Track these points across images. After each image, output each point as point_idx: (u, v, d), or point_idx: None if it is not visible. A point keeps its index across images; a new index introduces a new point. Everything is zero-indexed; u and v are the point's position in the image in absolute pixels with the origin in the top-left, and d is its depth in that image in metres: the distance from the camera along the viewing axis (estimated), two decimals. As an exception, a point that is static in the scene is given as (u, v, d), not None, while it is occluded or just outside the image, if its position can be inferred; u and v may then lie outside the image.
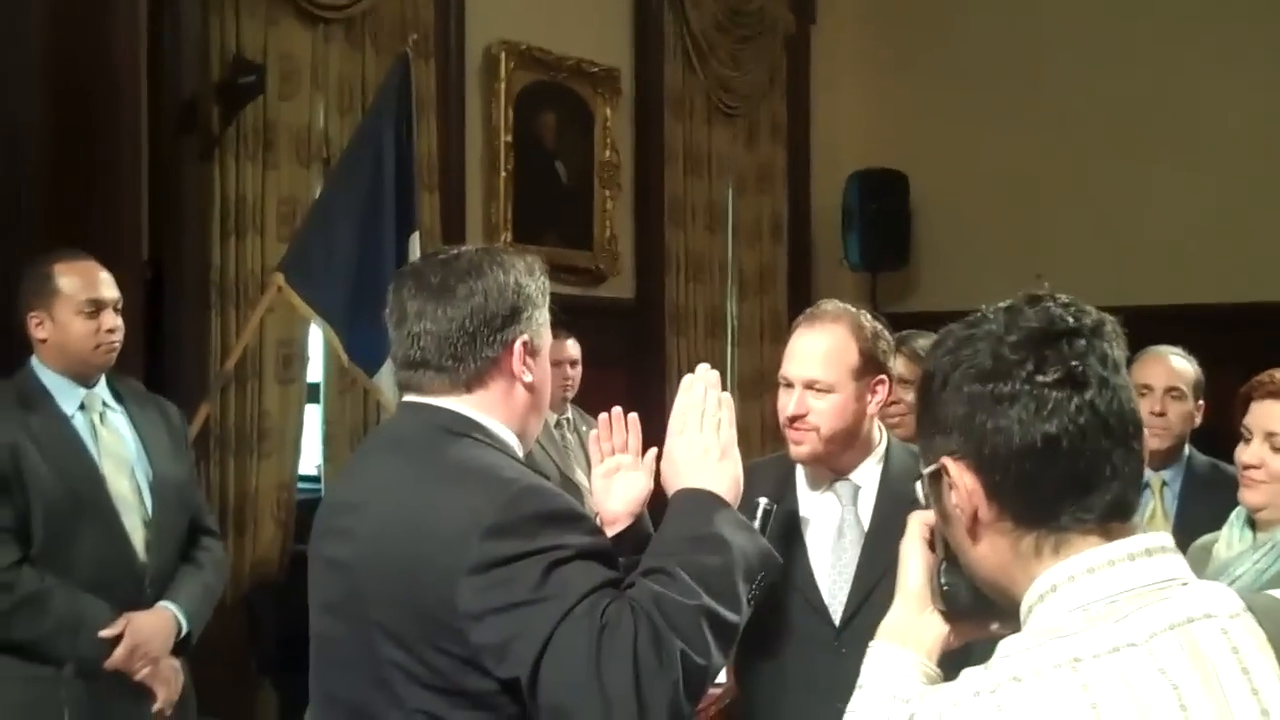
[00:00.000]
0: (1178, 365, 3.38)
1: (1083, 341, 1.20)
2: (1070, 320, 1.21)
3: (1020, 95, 7.18)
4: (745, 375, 7.17)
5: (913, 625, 1.40)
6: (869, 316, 2.54)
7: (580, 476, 4.45)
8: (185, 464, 3.26)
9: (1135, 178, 6.86)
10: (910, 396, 3.02)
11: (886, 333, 2.56)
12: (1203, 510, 2.91)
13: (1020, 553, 1.21)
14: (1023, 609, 1.21)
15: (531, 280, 1.93)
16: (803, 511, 2.54)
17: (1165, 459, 3.37)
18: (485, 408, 1.89)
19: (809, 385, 2.46)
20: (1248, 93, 6.57)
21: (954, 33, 7.45)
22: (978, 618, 1.35)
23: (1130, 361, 3.57)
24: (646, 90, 6.66)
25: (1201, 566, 2.46)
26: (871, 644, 1.42)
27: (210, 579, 3.22)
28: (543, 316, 1.95)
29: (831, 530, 2.52)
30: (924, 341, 3.31)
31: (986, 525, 1.23)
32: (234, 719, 4.64)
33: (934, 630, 1.40)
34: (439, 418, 1.86)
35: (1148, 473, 3.38)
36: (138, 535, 3.05)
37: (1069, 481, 1.18)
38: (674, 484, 1.85)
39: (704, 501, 1.81)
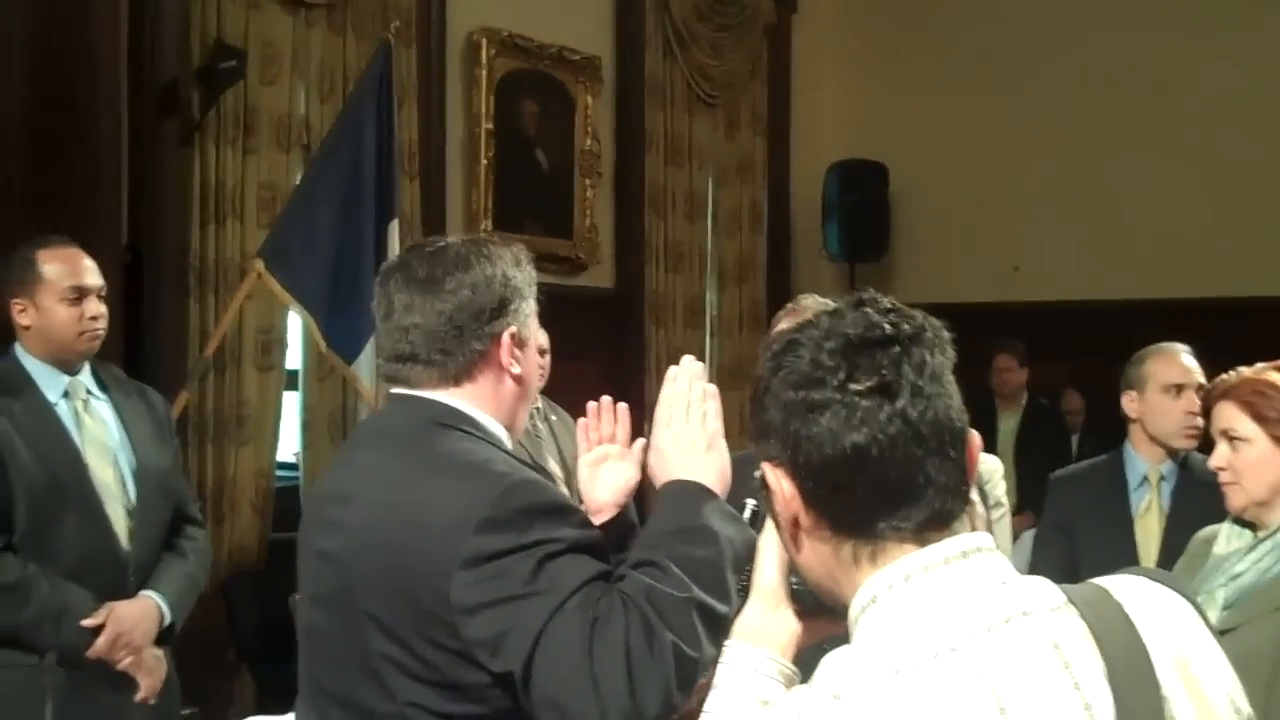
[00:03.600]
0: (1194, 364, 3.38)
1: (897, 349, 1.17)
2: (886, 327, 1.18)
3: (1001, 87, 7.22)
4: (724, 365, 7.18)
5: (767, 623, 1.39)
6: None
7: (552, 465, 4.46)
8: (169, 452, 3.24)
9: (1116, 171, 6.90)
10: None
11: None
12: (1197, 506, 2.93)
13: (841, 560, 1.20)
14: (850, 620, 1.20)
15: (519, 271, 1.92)
16: None
17: (1171, 454, 3.39)
18: (474, 400, 1.88)
19: None
20: (1232, 84, 6.60)
21: (935, 25, 7.47)
22: (829, 615, 1.31)
23: (1143, 359, 3.48)
24: (627, 79, 6.67)
25: (1202, 560, 2.48)
26: (726, 643, 1.41)
27: (194, 569, 3.20)
28: (530, 307, 1.95)
29: None
30: None
31: (807, 532, 1.22)
32: (212, 707, 4.62)
33: (788, 628, 1.38)
34: (429, 410, 1.86)
35: (1146, 465, 3.41)
36: (121, 524, 3.03)
37: (881, 490, 1.17)
38: (661, 476, 1.84)
39: (692, 493, 1.79)
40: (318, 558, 1.86)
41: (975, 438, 1.22)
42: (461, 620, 1.66)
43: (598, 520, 2.02)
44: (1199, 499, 3.02)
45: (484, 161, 5.91)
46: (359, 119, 4.53)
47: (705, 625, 1.66)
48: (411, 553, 1.71)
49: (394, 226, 4.57)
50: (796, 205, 7.72)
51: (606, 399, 2.15)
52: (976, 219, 7.31)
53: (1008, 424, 6.32)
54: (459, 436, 1.83)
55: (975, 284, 7.01)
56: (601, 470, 2.12)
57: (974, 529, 1.21)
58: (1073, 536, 3.41)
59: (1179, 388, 3.34)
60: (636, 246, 6.70)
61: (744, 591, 1.79)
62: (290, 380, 5.14)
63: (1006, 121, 7.18)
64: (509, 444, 1.93)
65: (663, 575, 1.68)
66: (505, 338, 1.88)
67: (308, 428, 5.14)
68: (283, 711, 2.49)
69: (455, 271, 1.86)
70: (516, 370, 1.90)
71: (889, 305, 1.21)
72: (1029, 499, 5.30)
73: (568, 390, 4.61)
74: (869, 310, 1.20)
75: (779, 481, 1.21)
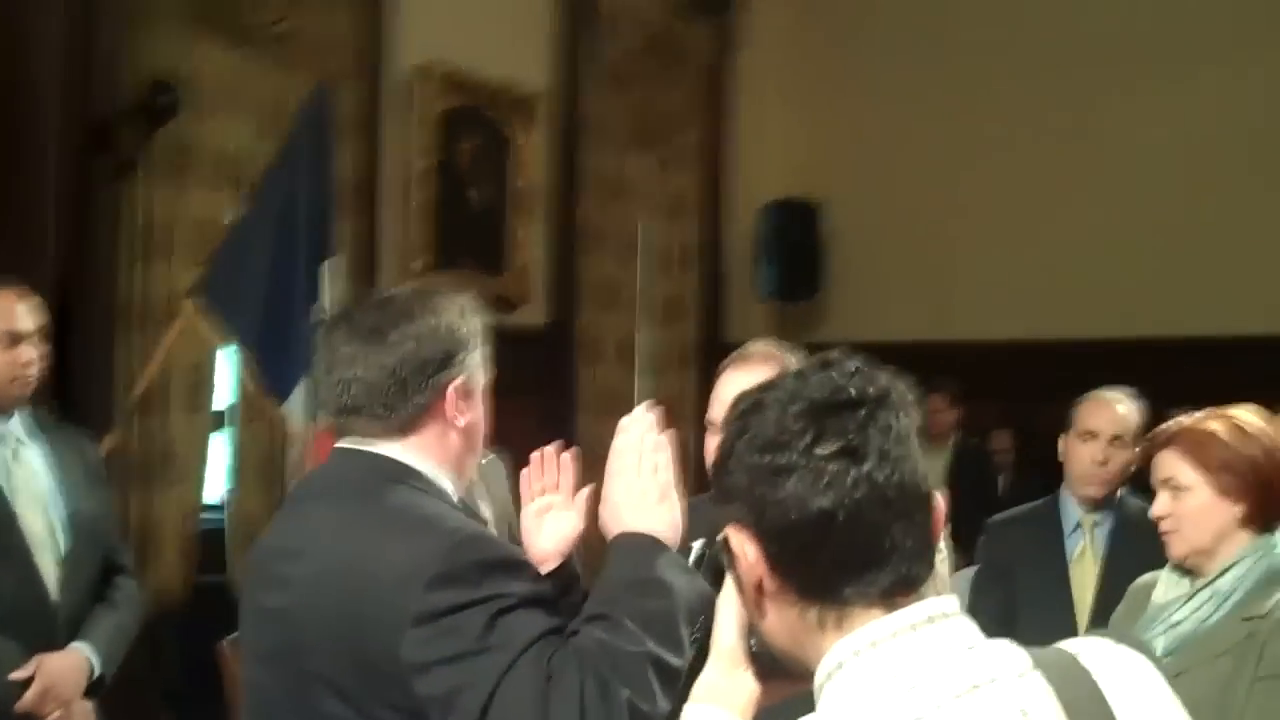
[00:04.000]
0: (1123, 412, 3.40)
1: (863, 412, 1.17)
2: (853, 391, 1.18)
3: (936, 128, 7.31)
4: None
5: (726, 685, 1.37)
6: (798, 359, 2.54)
7: (484, 510, 4.44)
8: (101, 499, 3.18)
9: (1050, 210, 6.98)
10: None
11: None
12: (1133, 552, 2.95)
13: (807, 625, 1.20)
14: (815, 687, 1.19)
15: (464, 322, 1.92)
16: None
17: (1100, 501, 3.42)
18: (420, 452, 1.87)
19: None
20: (1170, 124, 6.67)
21: (873, 65, 7.57)
22: (787, 676, 1.31)
23: (1079, 401, 3.48)
24: (565, 116, 6.67)
25: (1141, 608, 2.49)
26: (685, 706, 1.39)
27: (125, 619, 3.13)
28: (477, 358, 1.94)
29: None
30: None
31: (771, 597, 1.21)
32: (136, 753, 4.52)
33: (747, 689, 1.37)
34: (375, 464, 1.85)
35: (1079, 512, 3.43)
36: (51, 574, 2.96)
37: (847, 555, 1.16)
38: (614, 527, 1.84)
39: (644, 545, 1.80)
40: (263, 615, 1.84)
41: (940, 500, 1.23)
42: (413, 678, 1.65)
43: (542, 570, 2.01)
44: (1134, 543, 3.04)
45: (419, 199, 5.88)
46: (295, 157, 4.48)
47: (659, 678, 1.67)
48: (362, 610, 1.69)
49: (328, 265, 4.53)
50: (730, 244, 7.76)
51: (550, 448, 2.15)
52: (910, 258, 7.38)
53: (936, 464, 6.39)
54: (406, 491, 1.82)
55: (908, 322, 7.07)
56: (546, 520, 2.12)
57: (939, 592, 1.21)
58: (1010, 581, 3.43)
59: (1091, 434, 3.38)
60: (569, 284, 6.70)
61: (697, 644, 1.80)
62: (217, 421, 5.06)
63: (943, 161, 7.26)
64: (455, 496, 1.92)
65: (616, 629, 1.68)
66: (450, 390, 1.88)
67: (237, 469, 5.06)
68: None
69: (400, 323, 1.85)
70: (462, 422, 1.90)
71: (854, 367, 1.21)
72: (954, 538, 5.34)
73: (498, 428, 4.59)
74: (834, 373, 1.20)
75: (743, 546, 1.20)
